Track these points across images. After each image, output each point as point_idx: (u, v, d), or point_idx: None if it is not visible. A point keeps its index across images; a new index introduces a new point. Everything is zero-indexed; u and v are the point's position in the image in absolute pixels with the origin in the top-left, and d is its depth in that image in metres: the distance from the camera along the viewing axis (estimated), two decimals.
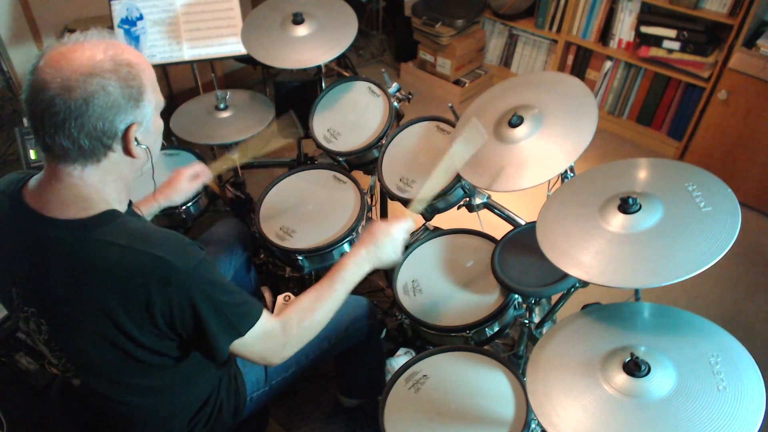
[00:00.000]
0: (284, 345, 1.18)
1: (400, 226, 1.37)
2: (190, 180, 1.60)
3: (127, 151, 1.02)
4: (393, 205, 1.99)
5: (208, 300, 1.02)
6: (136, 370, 1.09)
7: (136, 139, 1.02)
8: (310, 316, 1.21)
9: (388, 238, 1.34)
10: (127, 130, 1.00)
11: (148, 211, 1.50)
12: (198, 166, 1.63)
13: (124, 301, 0.98)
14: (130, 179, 1.09)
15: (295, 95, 2.16)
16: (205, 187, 1.96)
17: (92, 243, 0.98)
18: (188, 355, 1.13)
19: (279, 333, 1.17)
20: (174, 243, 1.02)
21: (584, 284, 1.49)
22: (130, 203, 1.14)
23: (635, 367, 1.05)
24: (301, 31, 1.92)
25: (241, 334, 1.09)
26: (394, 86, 1.96)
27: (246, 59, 2.61)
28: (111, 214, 1.02)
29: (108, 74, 0.95)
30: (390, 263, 1.35)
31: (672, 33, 2.89)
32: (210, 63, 2.45)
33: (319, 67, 2.06)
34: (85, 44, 0.96)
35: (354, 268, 1.29)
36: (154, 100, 1.04)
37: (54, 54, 0.94)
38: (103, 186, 1.03)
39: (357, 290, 1.33)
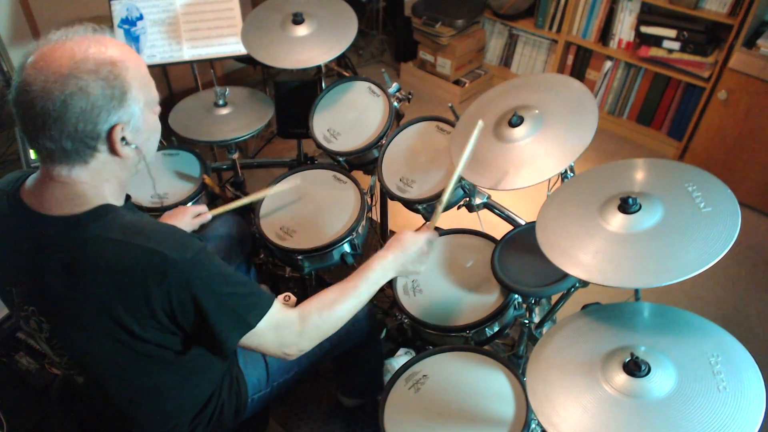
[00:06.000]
0: (300, 334, 1.15)
1: (428, 237, 1.38)
2: (192, 218, 1.64)
3: (114, 152, 1.01)
4: (393, 205, 1.98)
5: (210, 292, 1.01)
6: (138, 366, 1.08)
7: (124, 139, 1.00)
8: (331, 309, 1.19)
9: (416, 249, 1.35)
10: (111, 130, 0.98)
11: None
12: (201, 207, 1.69)
13: (122, 297, 0.97)
14: (124, 178, 1.08)
15: (295, 95, 2.16)
16: (205, 187, 1.97)
17: (88, 239, 0.98)
18: (191, 348, 1.12)
19: (295, 322, 1.15)
20: (170, 235, 1.01)
21: (584, 284, 1.49)
22: (129, 198, 1.13)
23: (635, 367, 1.05)
24: (301, 31, 1.93)
25: (252, 325, 1.07)
26: (394, 86, 1.96)
27: (246, 59, 2.62)
28: (105, 209, 1.01)
29: (86, 75, 0.93)
30: (413, 273, 1.36)
31: (672, 33, 2.89)
32: (210, 63, 2.45)
33: (319, 67, 2.06)
34: (67, 43, 0.95)
35: (380, 271, 1.29)
36: (142, 97, 1.01)
37: (37, 55, 0.94)
38: (97, 184, 1.02)
39: None
